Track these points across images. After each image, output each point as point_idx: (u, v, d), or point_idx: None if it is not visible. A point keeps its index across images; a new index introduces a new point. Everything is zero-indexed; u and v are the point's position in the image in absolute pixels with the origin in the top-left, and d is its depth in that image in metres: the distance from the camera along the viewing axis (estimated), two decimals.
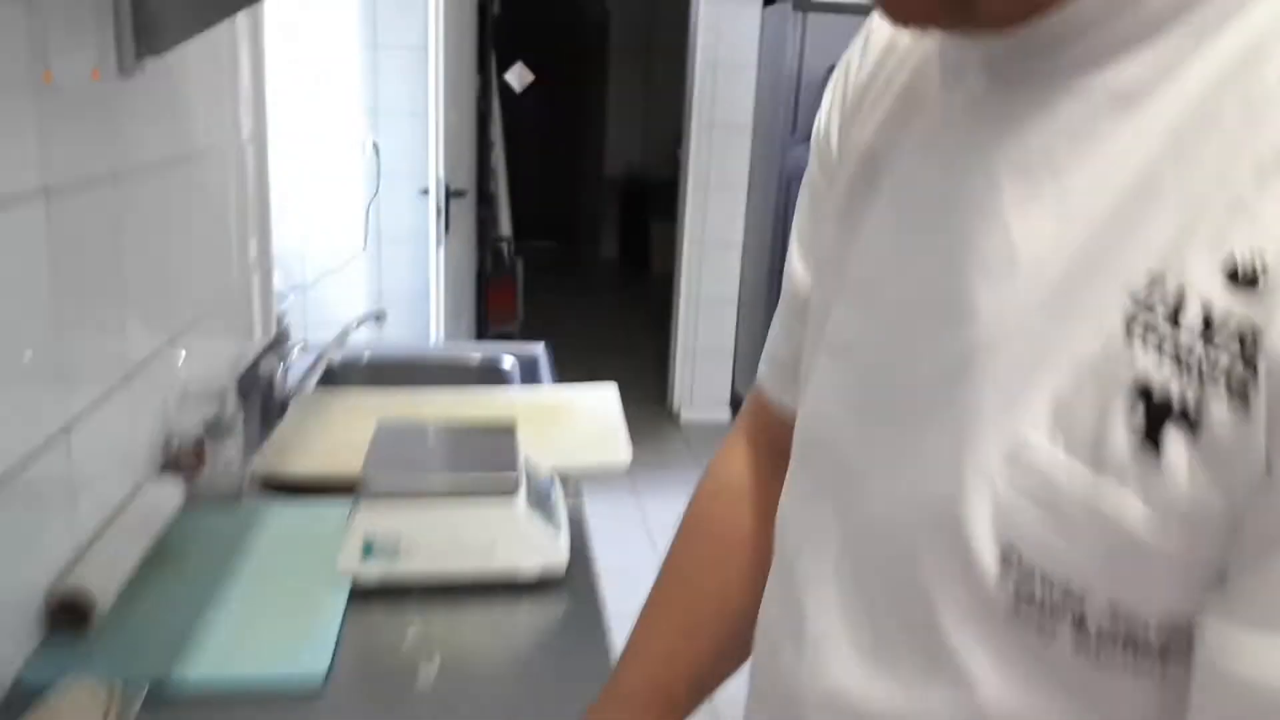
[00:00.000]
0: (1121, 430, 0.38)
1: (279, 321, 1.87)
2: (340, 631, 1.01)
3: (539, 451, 1.30)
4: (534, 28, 6.28)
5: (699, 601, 0.74)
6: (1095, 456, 0.38)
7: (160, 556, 1.13)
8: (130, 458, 1.21)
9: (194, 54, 1.30)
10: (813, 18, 3.93)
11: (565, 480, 1.34)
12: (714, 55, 4.21)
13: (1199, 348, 0.36)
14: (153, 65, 1.16)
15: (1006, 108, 0.45)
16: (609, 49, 7.33)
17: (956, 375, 0.44)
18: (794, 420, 0.60)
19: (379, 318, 2.03)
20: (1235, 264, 0.35)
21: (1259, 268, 0.35)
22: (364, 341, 2.14)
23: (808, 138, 0.68)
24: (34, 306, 0.95)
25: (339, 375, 1.98)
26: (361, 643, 1.01)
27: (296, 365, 1.73)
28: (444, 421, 1.29)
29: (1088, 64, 0.42)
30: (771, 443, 0.70)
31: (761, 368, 0.72)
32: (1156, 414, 0.37)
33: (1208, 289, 0.36)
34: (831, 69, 0.64)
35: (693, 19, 4.31)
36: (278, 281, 1.87)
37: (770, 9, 4.31)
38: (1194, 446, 0.36)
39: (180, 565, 1.12)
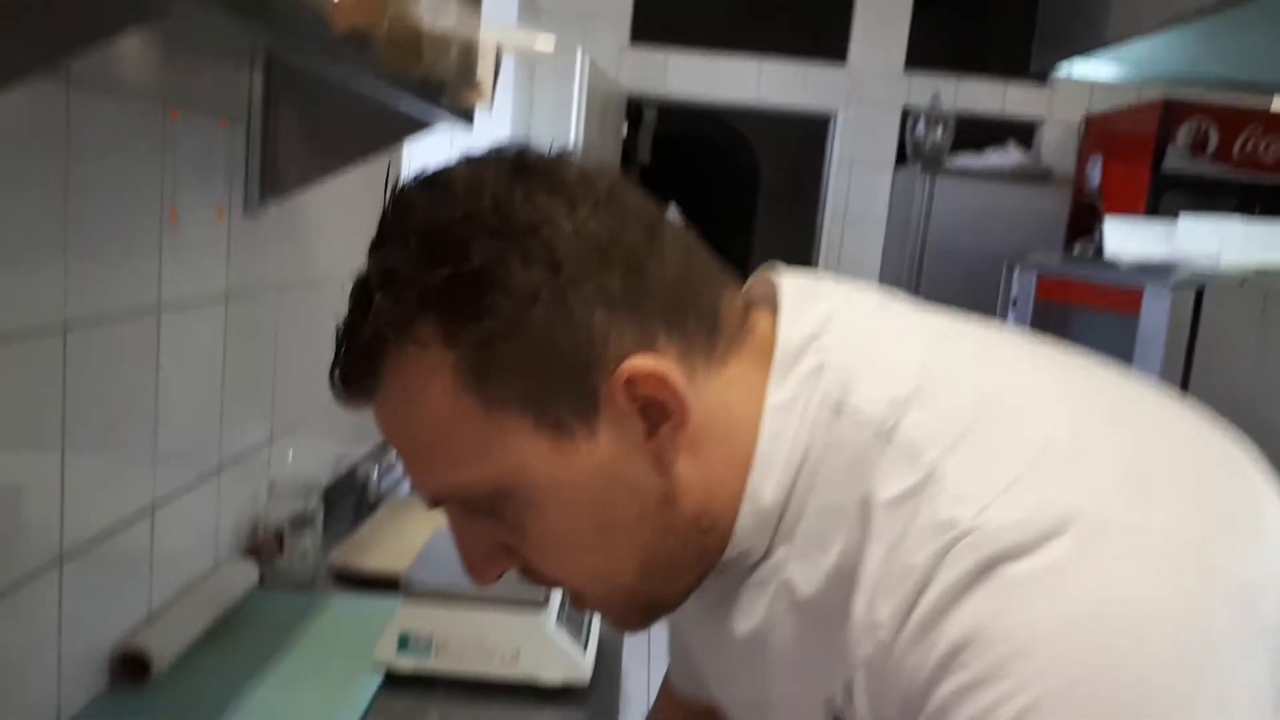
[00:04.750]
0: None
1: None
2: (363, 717, 1.11)
3: None
4: (683, 177, 6.37)
5: None
6: None
7: (225, 629, 1.27)
8: (213, 539, 1.37)
9: (317, 194, 1.51)
10: (941, 181, 4.07)
11: None
12: (843, 210, 4.36)
13: None
14: (276, 206, 1.37)
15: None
16: (758, 198, 7.42)
17: None
18: (699, 701, 0.87)
19: None
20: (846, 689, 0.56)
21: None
22: None
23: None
24: (142, 406, 1.13)
25: None
26: None
27: (394, 472, 1.89)
28: None
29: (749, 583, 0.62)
30: (689, 710, 0.93)
31: (671, 667, 0.95)
32: None
33: (843, 705, 0.56)
34: None
35: (825, 175, 4.48)
36: None
37: (901, 171, 4.45)
38: None
39: (241, 639, 1.26)
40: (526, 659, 1.20)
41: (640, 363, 0.56)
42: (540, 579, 0.64)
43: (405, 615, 1.21)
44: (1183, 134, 3.86)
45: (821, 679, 0.58)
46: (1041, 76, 4.66)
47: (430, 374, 0.56)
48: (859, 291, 0.66)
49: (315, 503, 1.47)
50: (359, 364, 0.59)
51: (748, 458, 0.59)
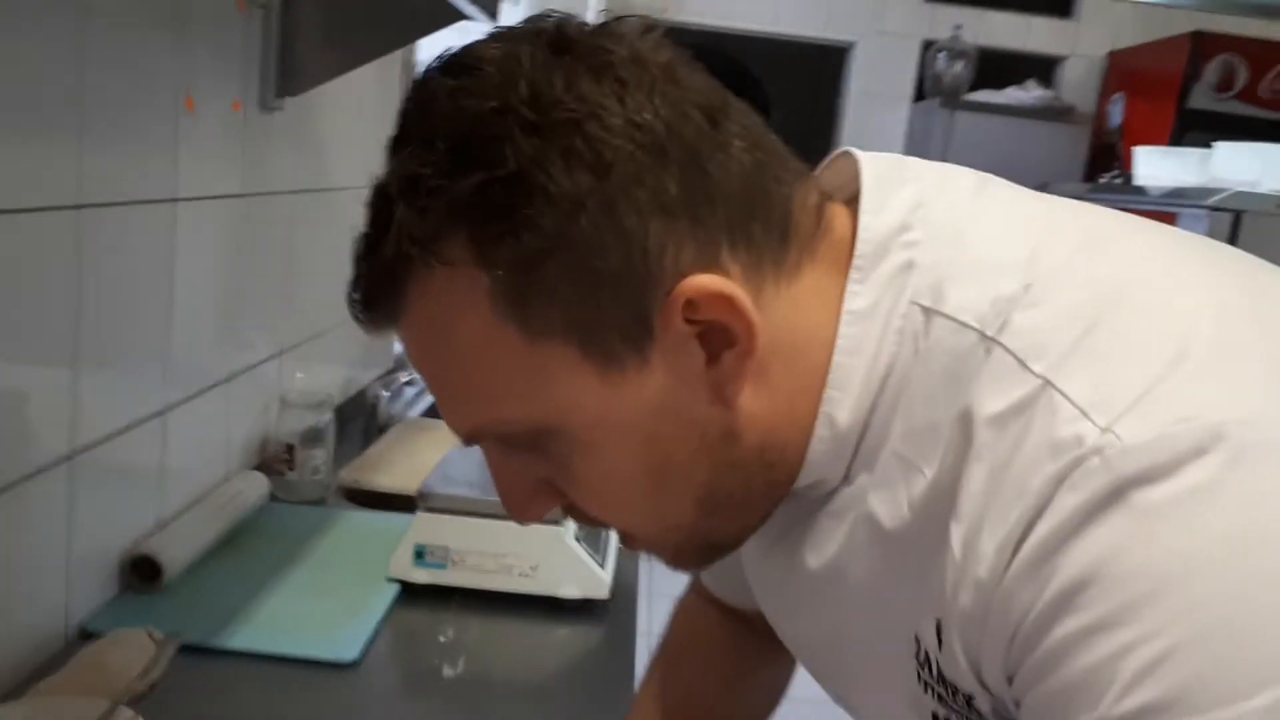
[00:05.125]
0: None
1: (397, 357, 2.04)
2: (378, 628, 1.09)
3: None
4: None
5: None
6: None
7: (237, 540, 1.24)
8: (224, 450, 1.34)
9: (333, 95, 1.45)
10: (960, 116, 4.00)
11: None
12: (858, 145, 4.33)
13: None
14: (292, 103, 1.31)
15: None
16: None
17: (852, 682, 0.63)
18: (732, 600, 0.85)
19: None
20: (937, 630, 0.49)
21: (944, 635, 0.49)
22: None
23: None
24: (156, 306, 1.09)
25: None
26: (396, 642, 1.09)
27: (405, 395, 1.86)
28: None
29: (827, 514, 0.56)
30: (722, 607, 0.89)
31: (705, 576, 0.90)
32: None
33: (931, 644, 0.50)
34: None
35: (841, 109, 4.41)
36: None
37: (918, 106, 4.37)
38: None
39: (253, 550, 1.23)
40: (545, 573, 1.17)
41: (702, 281, 0.49)
42: (587, 519, 0.58)
43: (421, 527, 1.18)
44: (1210, 70, 3.76)
45: (906, 616, 0.51)
46: (1065, 9, 4.55)
47: (461, 298, 0.49)
48: (952, 173, 0.58)
49: (327, 418, 1.43)
50: (380, 285, 0.52)
51: (822, 377, 0.52)
